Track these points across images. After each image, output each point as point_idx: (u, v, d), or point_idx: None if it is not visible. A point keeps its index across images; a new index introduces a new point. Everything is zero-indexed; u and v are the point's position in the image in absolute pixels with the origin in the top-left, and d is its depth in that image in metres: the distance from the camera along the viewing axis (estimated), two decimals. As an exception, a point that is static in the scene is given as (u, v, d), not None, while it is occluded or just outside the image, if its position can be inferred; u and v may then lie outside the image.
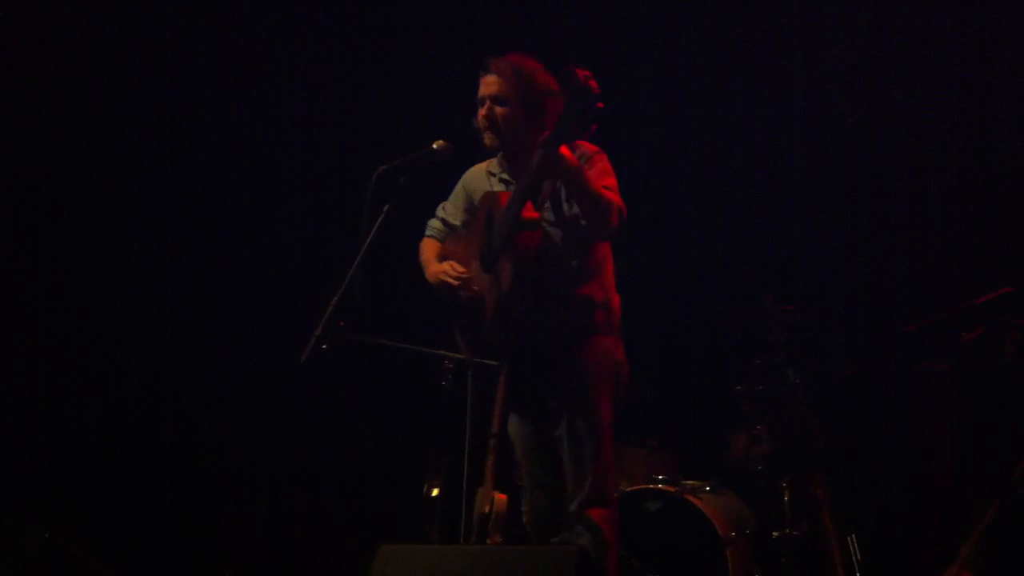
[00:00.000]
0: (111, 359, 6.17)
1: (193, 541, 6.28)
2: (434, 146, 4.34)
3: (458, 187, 4.61)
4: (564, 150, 4.00)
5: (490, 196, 4.37)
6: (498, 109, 4.29)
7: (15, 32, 5.95)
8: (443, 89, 4.57)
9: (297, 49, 6.51)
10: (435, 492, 5.50)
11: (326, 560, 6.32)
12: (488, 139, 4.34)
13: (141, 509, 6.16)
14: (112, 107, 6.23)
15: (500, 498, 4.17)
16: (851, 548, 5.33)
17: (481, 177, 4.53)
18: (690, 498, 5.41)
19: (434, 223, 4.65)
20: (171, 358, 6.33)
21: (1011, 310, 4.86)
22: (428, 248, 4.59)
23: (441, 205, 4.65)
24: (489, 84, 4.31)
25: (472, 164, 4.59)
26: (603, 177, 4.20)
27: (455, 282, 4.35)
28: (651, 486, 5.51)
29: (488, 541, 4.14)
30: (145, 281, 6.32)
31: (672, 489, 5.47)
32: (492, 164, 4.51)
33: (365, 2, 6.58)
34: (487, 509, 4.16)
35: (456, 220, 4.58)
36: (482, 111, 4.32)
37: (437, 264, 4.47)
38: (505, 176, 4.44)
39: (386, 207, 4.29)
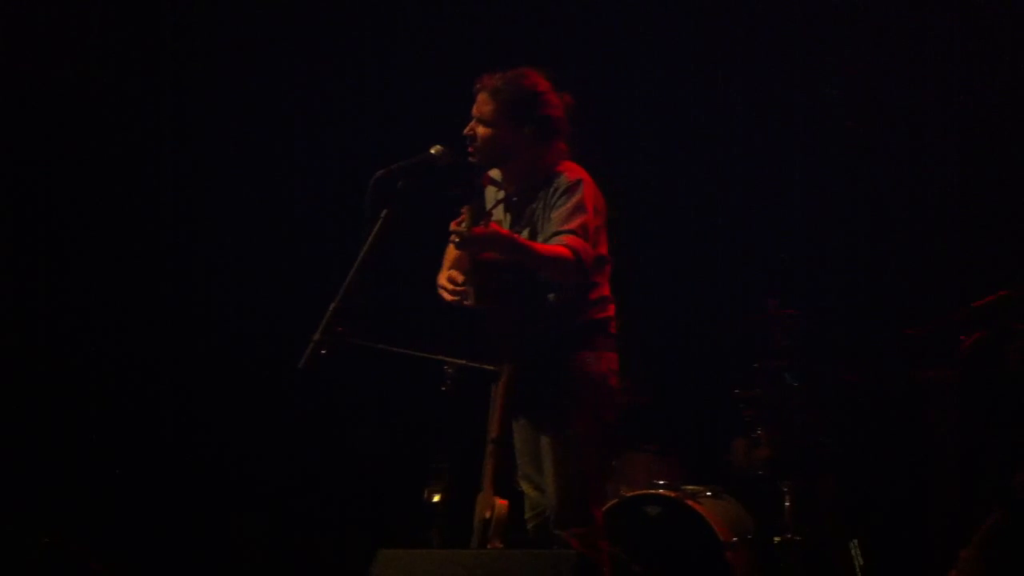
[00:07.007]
0: (114, 361, 6.17)
1: (195, 545, 6.28)
2: (432, 151, 4.34)
3: None
4: (478, 231, 4.10)
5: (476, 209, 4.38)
6: (479, 129, 4.34)
7: (14, 32, 5.96)
8: (443, 93, 4.57)
9: (296, 52, 6.51)
10: (436, 498, 5.49)
11: (327, 564, 6.32)
12: (471, 155, 4.40)
13: (145, 513, 6.15)
14: (116, 111, 6.25)
15: (501, 503, 4.16)
16: (853, 554, 5.33)
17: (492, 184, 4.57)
18: (691, 503, 5.40)
19: None
20: (174, 361, 6.34)
21: (1013, 315, 4.84)
22: (446, 254, 4.59)
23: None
24: (477, 103, 4.36)
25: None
26: (572, 217, 4.19)
27: (450, 296, 4.36)
28: (651, 491, 5.51)
29: (488, 546, 4.13)
30: (147, 284, 6.32)
31: (673, 494, 5.46)
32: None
33: (365, 5, 6.58)
34: (488, 514, 4.15)
35: None
36: (466, 129, 4.38)
37: (441, 274, 4.48)
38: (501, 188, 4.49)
39: (384, 212, 4.29)
